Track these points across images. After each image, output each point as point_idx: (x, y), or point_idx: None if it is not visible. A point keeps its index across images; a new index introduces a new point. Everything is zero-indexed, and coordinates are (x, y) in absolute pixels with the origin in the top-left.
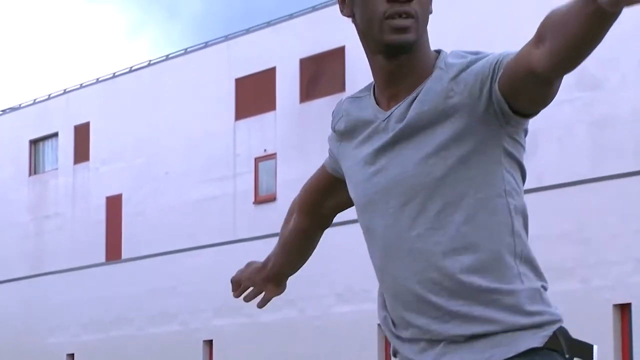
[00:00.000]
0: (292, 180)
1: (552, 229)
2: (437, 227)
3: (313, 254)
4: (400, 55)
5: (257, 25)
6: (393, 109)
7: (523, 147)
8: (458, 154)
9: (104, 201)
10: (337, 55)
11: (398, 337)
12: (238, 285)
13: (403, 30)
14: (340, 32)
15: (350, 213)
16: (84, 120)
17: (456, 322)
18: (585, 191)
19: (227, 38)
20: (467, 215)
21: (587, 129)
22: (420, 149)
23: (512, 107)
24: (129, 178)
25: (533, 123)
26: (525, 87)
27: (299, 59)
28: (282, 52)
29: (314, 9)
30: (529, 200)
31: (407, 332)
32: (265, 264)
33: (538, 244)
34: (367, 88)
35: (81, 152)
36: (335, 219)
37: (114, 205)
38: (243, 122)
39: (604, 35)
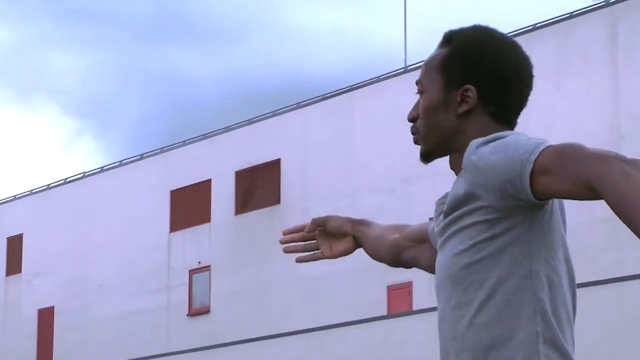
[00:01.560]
0: (226, 293)
1: None
2: (465, 301)
3: None
4: (448, 156)
5: (194, 137)
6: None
7: (554, 209)
8: (485, 238)
9: (35, 314)
10: (273, 168)
11: None
12: (315, 227)
13: (416, 144)
14: (276, 145)
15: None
16: (16, 232)
17: None
18: None
19: (162, 150)
20: (488, 293)
21: None
22: (456, 237)
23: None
24: (61, 290)
25: None
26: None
27: (234, 171)
28: (218, 164)
29: (250, 122)
30: None
31: None
32: (361, 224)
33: None
34: None
35: (13, 264)
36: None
37: (46, 318)
38: (178, 234)
39: None
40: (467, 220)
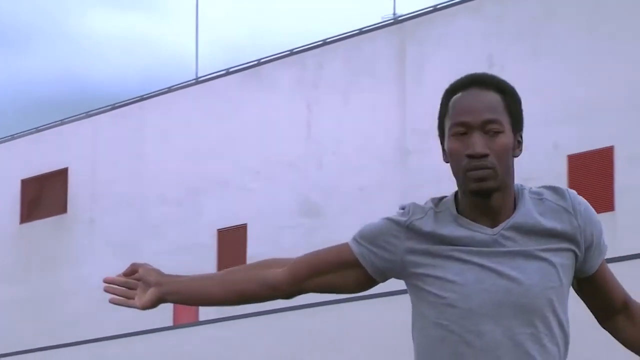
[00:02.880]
0: (8, 302)
1: None
2: (547, 333)
3: None
4: (490, 196)
5: None
6: (500, 228)
7: None
8: (569, 283)
9: None
10: (60, 176)
11: None
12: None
13: (482, 179)
14: (64, 153)
15: None
16: None
17: None
18: (304, 315)
19: None
20: (563, 333)
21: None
22: (541, 270)
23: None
24: None
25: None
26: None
27: (20, 179)
28: (3, 172)
29: (37, 130)
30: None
31: None
32: (163, 281)
33: None
34: (434, 203)
35: None
36: None
37: None
38: None
39: None
40: (555, 258)
